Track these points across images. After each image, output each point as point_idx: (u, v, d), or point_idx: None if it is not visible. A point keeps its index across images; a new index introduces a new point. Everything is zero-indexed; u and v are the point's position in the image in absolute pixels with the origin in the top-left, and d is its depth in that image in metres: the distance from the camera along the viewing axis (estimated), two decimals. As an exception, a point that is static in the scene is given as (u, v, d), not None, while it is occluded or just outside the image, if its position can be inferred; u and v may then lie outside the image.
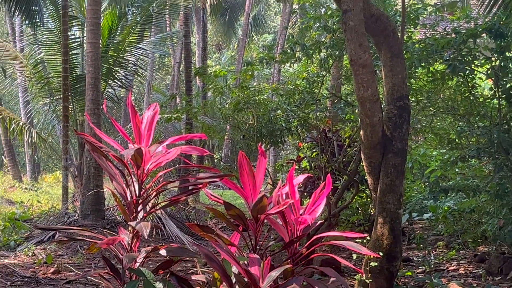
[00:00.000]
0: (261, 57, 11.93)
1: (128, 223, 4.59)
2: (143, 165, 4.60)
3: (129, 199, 4.70)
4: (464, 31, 9.65)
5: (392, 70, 7.66)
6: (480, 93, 10.76)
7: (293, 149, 20.42)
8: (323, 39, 11.51)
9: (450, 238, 12.68)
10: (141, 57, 21.32)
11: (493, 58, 9.92)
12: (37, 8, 20.02)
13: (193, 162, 19.90)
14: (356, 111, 10.50)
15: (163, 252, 4.66)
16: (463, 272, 10.25)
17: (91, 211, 14.23)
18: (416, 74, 10.71)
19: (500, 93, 9.99)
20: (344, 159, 12.36)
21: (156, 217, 14.08)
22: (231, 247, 4.87)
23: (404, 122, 7.62)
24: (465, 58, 9.63)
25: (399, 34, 8.21)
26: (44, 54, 21.07)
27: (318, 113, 12.04)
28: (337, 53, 11.01)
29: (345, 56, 11.43)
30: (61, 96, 18.87)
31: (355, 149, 12.25)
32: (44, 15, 20.77)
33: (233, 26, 37.62)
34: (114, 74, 20.46)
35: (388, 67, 7.66)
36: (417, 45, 9.92)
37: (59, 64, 20.09)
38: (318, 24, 11.59)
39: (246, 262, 4.62)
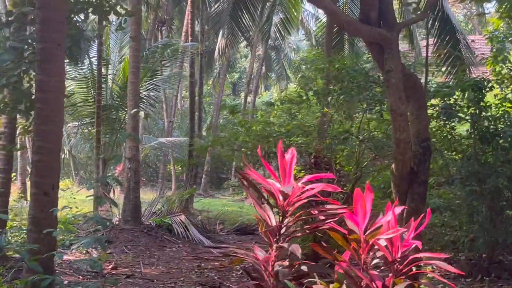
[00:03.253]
0: (281, 99, 12.00)
1: (278, 244, 4.58)
2: (289, 198, 4.61)
3: (272, 225, 4.69)
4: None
5: (418, 118, 7.77)
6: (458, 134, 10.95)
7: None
8: (331, 87, 11.60)
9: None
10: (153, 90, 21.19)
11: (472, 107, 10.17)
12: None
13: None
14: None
15: (304, 268, 4.65)
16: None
17: (131, 218, 14.07)
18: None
19: (475, 134, 10.24)
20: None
21: (183, 225, 14.06)
22: (344, 263, 4.87)
23: (427, 159, 7.73)
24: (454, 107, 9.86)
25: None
26: (76, 86, 20.73)
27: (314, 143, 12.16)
28: (346, 98, 11.11)
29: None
30: (88, 120, 18.66)
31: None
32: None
33: (212, 66, 37.62)
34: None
35: (415, 116, 7.76)
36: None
37: (88, 95, 19.91)
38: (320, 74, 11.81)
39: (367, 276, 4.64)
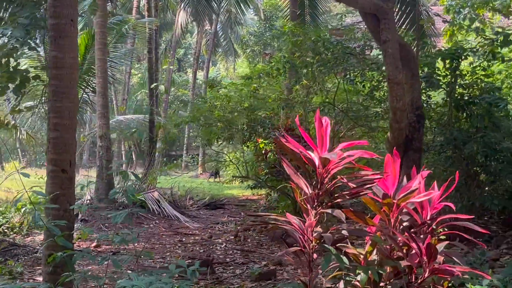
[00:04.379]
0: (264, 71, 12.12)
1: (320, 210, 4.69)
2: (328, 166, 4.72)
3: (308, 194, 4.80)
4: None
5: (412, 87, 7.99)
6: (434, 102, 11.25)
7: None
8: (308, 59, 11.72)
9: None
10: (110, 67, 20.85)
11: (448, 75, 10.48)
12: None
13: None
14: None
15: (345, 232, 4.78)
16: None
17: (105, 196, 13.94)
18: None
19: (451, 102, 10.56)
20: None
21: (157, 202, 14.03)
22: (373, 227, 5.02)
23: (421, 126, 7.99)
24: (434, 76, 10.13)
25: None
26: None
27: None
28: (323, 70, 11.26)
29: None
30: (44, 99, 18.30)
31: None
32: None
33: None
34: (88, 82, 19.90)
35: (409, 84, 7.98)
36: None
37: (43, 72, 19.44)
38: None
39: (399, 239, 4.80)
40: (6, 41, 6.81)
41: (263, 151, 14.83)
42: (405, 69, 7.97)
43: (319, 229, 4.90)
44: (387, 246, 5.02)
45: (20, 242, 11.00)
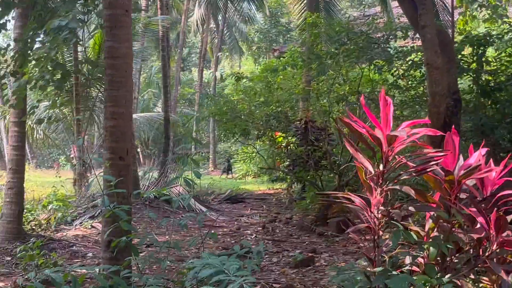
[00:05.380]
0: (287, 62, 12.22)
1: (387, 187, 4.79)
2: (393, 144, 4.82)
3: (373, 172, 4.89)
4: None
5: (448, 71, 8.06)
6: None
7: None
8: (332, 49, 11.82)
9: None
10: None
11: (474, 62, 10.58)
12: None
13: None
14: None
15: (411, 208, 4.88)
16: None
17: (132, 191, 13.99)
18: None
19: (477, 88, 10.66)
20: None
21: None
22: (434, 204, 5.10)
23: (458, 110, 8.06)
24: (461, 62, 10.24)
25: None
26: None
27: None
28: (347, 60, 11.36)
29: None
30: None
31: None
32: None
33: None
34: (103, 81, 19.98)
35: (446, 69, 8.05)
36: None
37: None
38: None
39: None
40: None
41: (283, 144, 14.95)
42: (441, 54, 8.05)
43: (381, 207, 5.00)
44: (447, 223, 5.11)
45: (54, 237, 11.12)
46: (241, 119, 13.41)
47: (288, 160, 14.55)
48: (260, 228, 12.28)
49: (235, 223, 13.42)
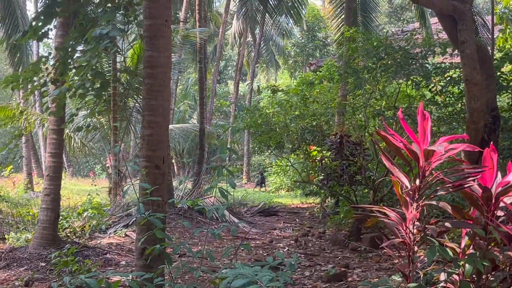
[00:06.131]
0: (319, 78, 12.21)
1: (422, 203, 4.75)
2: (430, 159, 4.78)
3: (409, 187, 4.86)
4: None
5: (487, 88, 7.98)
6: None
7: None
8: (369, 64, 11.78)
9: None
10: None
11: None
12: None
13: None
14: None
15: (447, 224, 4.83)
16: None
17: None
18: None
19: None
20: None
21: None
22: (471, 221, 5.04)
23: (497, 127, 7.95)
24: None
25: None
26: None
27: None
28: (385, 75, 11.31)
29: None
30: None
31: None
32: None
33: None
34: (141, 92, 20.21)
35: (485, 85, 7.96)
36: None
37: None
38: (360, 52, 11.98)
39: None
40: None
41: (317, 158, 14.91)
42: (481, 70, 7.97)
43: (417, 223, 4.96)
44: (483, 241, 5.04)
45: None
46: (276, 132, 13.44)
47: (322, 174, 14.50)
48: (293, 242, 12.24)
49: (268, 235, 13.40)
